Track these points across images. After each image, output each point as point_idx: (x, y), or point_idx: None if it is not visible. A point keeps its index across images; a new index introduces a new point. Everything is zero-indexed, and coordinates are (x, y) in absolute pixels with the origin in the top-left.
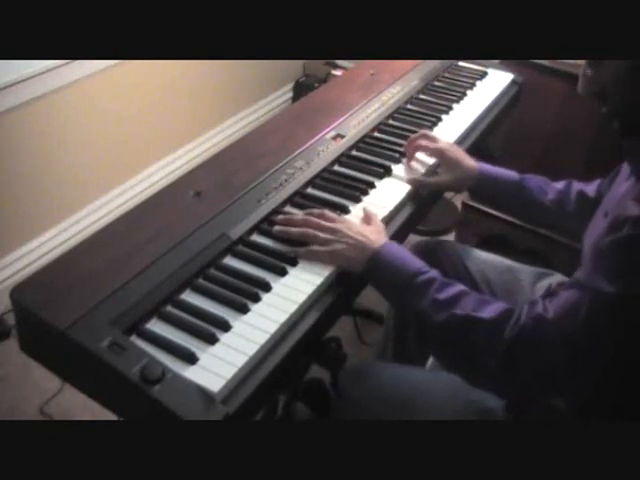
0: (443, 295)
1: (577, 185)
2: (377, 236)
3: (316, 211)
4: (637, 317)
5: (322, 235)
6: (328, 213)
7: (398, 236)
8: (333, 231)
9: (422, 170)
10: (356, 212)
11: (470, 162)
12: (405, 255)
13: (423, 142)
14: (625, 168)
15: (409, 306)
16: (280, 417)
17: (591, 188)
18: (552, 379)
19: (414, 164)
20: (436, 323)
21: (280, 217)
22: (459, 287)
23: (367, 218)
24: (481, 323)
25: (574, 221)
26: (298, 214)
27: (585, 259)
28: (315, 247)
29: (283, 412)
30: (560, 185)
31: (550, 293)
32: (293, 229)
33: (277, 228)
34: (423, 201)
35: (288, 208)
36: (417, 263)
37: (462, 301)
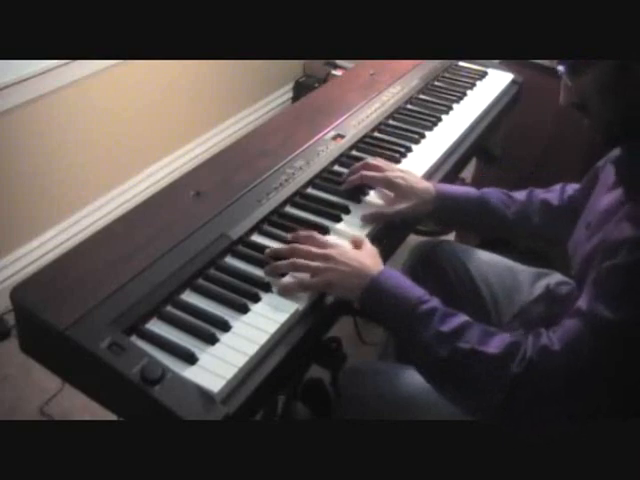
0: (446, 327)
1: (539, 194)
2: (372, 261)
3: (303, 234)
4: (636, 342)
5: (313, 264)
6: (317, 236)
7: (398, 236)
8: (325, 258)
9: (379, 202)
10: (356, 212)
11: (424, 184)
12: (404, 283)
13: (367, 174)
14: (607, 176)
15: (410, 337)
16: (280, 417)
17: (553, 195)
18: (557, 409)
19: (368, 198)
20: (439, 356)
21: (267, 251)
22: (462, 318)
23: (357, 243)
24: (487, 357)
25: (540, 231)
26: (283, 247)
27: (578, 278)
28: (307, 280)
29: (282, 412)
30: (521, 196)
31: (549, 295)
32: (281, 263)
33: (266, 269)
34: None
35: (288, 208)
36: (418, 291)
37: (466, 333)
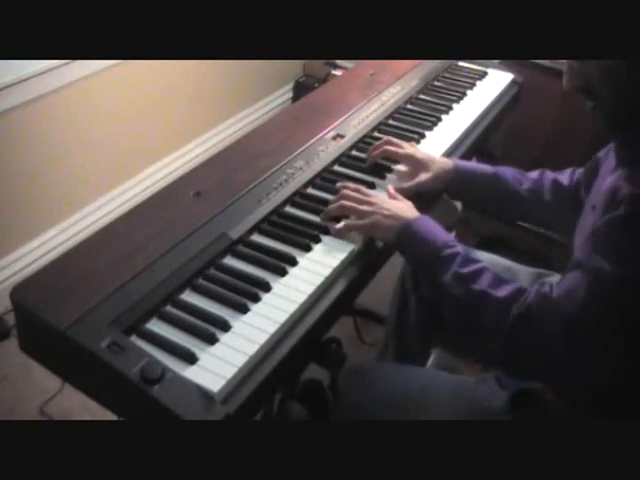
0: (465, 269)
1: (550, 174)
2: (409, 209)
3: (352, 185)
4: (636, 296)
5: (360, 207)
6: (363, 189)
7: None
8: (370, 204)
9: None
10: None
11: (442, 158)
12: (436, 228)
13: (390, 148)
14: (608, 162)
15: (432, 276)
16: (275, 415)
17: (564, 177)
18: (552, 358)
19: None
20: (454, 294)
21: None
22: (481, 264)
23: (394, 196)
24: (494, 300)
25: (550, 210)
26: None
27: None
28: (354, 221)
29: (278, 410)
30: (534, 175)
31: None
32: (332, 206)
33: (321, 215)
34: (423, 201)
35: (288, 208)
36: (446, 237)
37: (482, 277)
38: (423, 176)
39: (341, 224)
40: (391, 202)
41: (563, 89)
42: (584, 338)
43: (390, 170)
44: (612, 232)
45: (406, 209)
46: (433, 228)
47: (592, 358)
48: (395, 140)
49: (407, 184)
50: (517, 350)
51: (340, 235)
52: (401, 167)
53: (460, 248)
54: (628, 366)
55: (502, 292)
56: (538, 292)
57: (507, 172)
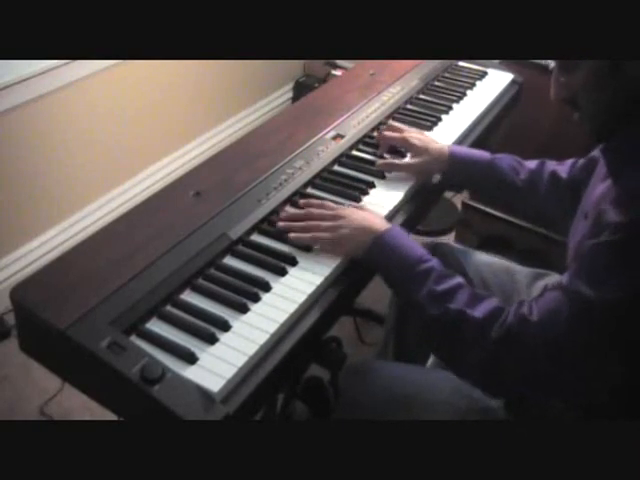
0: (440, 287)
1: (550, 165)
2: (379, 221)
3: (316, 202)
4: (616, 320)
5: (325, 223)
6: (328, 203)
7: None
8: (335, 218)
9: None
10: None
11: (438, 145)
12: (408, 242)
13: (386, 134)
14: (600, 168)
15: (407, 294)
16: (279, 416)
17: (564, 168)
18: (535, 380)
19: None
20: (431, 315)
21: (282, 214)
22: (456, 280)
23: (361, 207)
24: (472, 320)
25: (544, 202)
26: (298, 211)
27: (569, 261)
28: (319, 234)
29: (282, 411)
30: (533, 165)
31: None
32: (297, 223)
33: (280, 224)
34: (423, 201)
35: (288, 208)
36: (419, 251)
37: (457, 295)
38: (413, 160)
39: (307, 235)
40: (359, 213)
41: (551, 100)
42: (567, 358)
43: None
44: (594, 257)
45: (374, 220)
46: (405, 241)
47: (577, 376)
48: (396, 125)
49: (397, 161)
50: (497, 371)
51: (299, 242)
52: (407, 159)
53: (434, 262)
54: (620, 375)
55: (479, 312)
56: (517, 313)
57: (504, 161)
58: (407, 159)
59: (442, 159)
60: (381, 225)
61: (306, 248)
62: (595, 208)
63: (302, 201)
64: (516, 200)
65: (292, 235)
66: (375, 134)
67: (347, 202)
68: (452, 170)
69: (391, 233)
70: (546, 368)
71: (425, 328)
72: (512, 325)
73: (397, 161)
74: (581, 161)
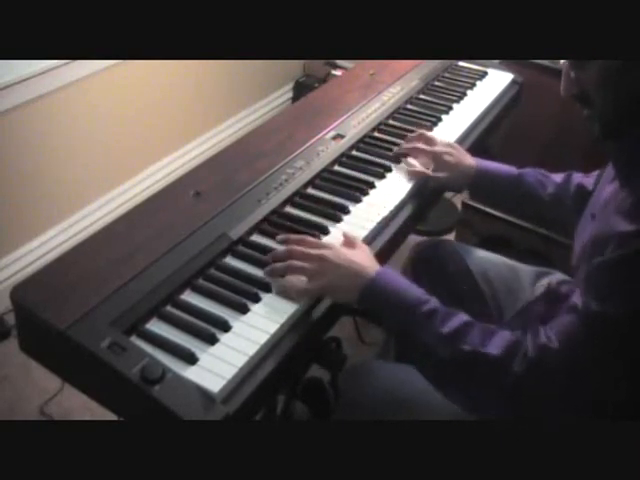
0: (447, 328)
1: (577, 177)
2: (368, 261)
3: (294, 237)
4: (625, 334)
5: (309, 267)
6: (309, 239)
7: (398, 236)
8: (320, 260)
9: (424, 164)
10: (356, 212)
11: (468, 162)
12: (402, 283)
13: (420, 145)
14: (609, 169)
15: (411, 338)
16: (279, 417)
17: (590, 180)
18: (560, 405)
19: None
20: (441, 358)
21: (268, 255)
22: (462, 318)
23: (349, 242)
24: (489, 359)
25: (572, 215)
26: (278, 248)
27: (575, 261)
28: (303, 286)
29: (282, 412)
30: (559, 178)
31: (550, 294)
32: (279, 265)
33: (265, 270)
34: (423, 201)
35: (288, 208)
36: (416, 292)
37: (468, 335)
38: (441, 174)
39: (285, 285)
40: (346, 254)
41: (561, 96)
42: (587, 378)
43: (390, 170)
44: (602, 274)
45: (363, 260)
46: (399, 282)
47: (593, 393)
48: (428, 135)
49: (427, 172)
50: (520, 402)
51: (285, 296)
52: (410, 159)
53: (434, 302)
54: (624, 390)
55: (495, 349)
56: (536, 344)
57: (531, 175)
58: (438, 173)
59: (470, 175)
60: (370, 268)
61: None
62: (603, 209)
63: (279, 237)
64: (544, 214)
65: (275, 286)
66: (377, 134)
67: (348, 203)
68: (478, 185)
69: (382, 277)
70: (569, 391)
71: (433, 372)
72: (534, 357)
73: (428, 172)
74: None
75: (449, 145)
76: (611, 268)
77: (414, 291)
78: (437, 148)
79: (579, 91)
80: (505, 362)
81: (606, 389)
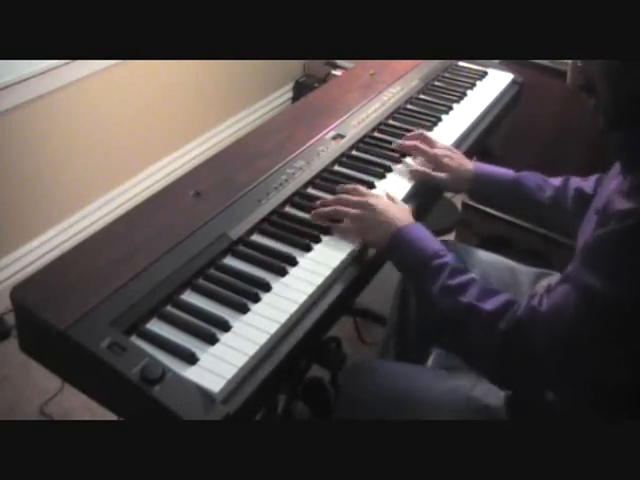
0: (453, 281)
1: (575, 181)
2: (403, 215)
3: (349, 186)
4: (622, 313)
5: (352, 211)
6: (360, 188)
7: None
8: (362, 205)
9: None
10: None
11: (466, 165)
12: (426, 236)
13: (420, 145)
14: (616, 165)
15: (420, 286)
16: (280, 416)
17: (588, 184)
18: (543, 371)
19: (416, 160)
20: (441, 307)
21: (317, 203)
22: (469, 275)
23: (391, 197)
24: (482, 313)
25: (571, 218)
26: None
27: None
28: (344, 224)
29: (283, 412)
30: (557, 182)
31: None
32: (324, 209)
33: (312, 214)
34: (423, 201)
35: (288, 208)
36: (436, 245)
37: (469, 289)
38: (442, 176)
39: (333, 225)
40: (388, 206)
41: (567, 86)
42: (574, 349)
43: (390, 170)
44: (602, 249)
45: (400, 214)
46: (424, 236)
47: (585, 369)
48: (428, 136)
49: (428, 172)
50: (507, 363)
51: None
52: (409, 160)
53: (449, 258)
54: (625, 375)
55: (490, 305)
56: (527, 305)
57: (529, 178)
58: (440, 174)
59: (468, 178)
60: (405, 219)
61: (306, 247)
62: (607, 202)
63: (339, 187)
64: (543, 217)
65: (319, 221)
66: (377, 134)
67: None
68: (477, 188)
69: (412, 227)
70: (554, 359)
71: (436, 321)
72: (521, 317)
73: (427, 171)
74: (605, 176)
75: (448, 149)
76: (610, 241)
77: (435, 245)
78: (437, 151)
79: (585, 81)
80: (494, 318)
81: (604, 368)
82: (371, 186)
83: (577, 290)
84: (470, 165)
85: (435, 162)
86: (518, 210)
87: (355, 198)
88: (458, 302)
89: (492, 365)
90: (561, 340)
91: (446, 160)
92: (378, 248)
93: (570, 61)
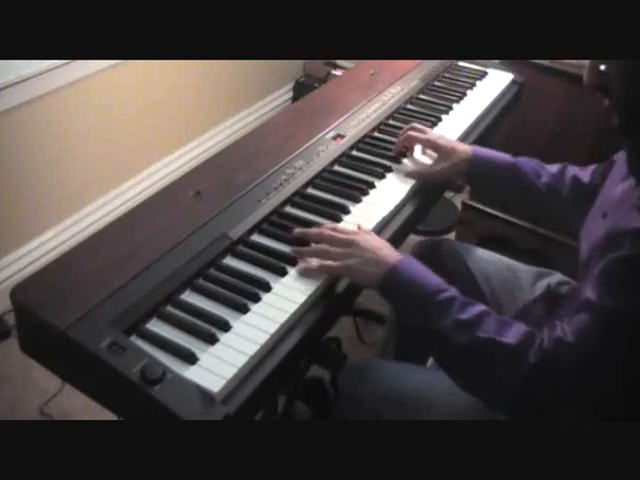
0: (465, 315)
1: (572, 170)
2: (390, 251)
3: (328, 226)
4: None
5: (335, 250)
6: (341, 227)
7: (398, 236)
8: (347, 243)
9: (422, 163)
10: (356, 212)
11: (462, 146)
12: (424, 271)
13: (413, 133)
14: (621, 165)
15: (429, 325)
16: (280, 417)
17: (585, 174)
18: (572, 398)
19: (413, 158)
20: (458, 344)
21: (295, 231)
22: (480, 307)
23: (369, 233)
24: (505, 347)
25: (567, 206)
26: (310, 230)
27: (583, 260)
28: (329, 262)
29: (283, 412)
30: (554, 169)
31: (550, 294)
32: (306, 249)
33: (292, 249)
34: (423, 201)
35: (288, 208)
36: (436, 279)
37: (485, 323)
38: (441, 165)
39: (314, 264)
40: (370, 243)
41: (583, 86)
42: (600, 375)
43: (390, 170)
44: (617, 271)
45: (386, 251)
46: (420, 271)
47: (608, 390)
48: (418, 126)
49: (426, 170)
50: (533, 393)
51: (308, 274)
52: (416, 154)
53: (454, 290)
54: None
55: (511, 339)
56: (552, 336)
57: (527, 164)
58: (437, 165)
59: (467, 159)
60: (393, 257)
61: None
62: (616, 208)
63: (316, 228)
64: (538, 203)
65: (301, 265)
66: (377, 134)
67: (348, 203)
68: (475, 170)
69: (405, 263)
70: (581, 386)
71: (449, 359)
72: (549, 348)
73: (429, 169)
74: (602, 167)
75: (439, 134)
76: (628, 264)
77: (433, 279)
78: (430, 135)
79: (601, 81)
80: (522, 351)
81: (619, 388)
82: (371, 186)
83: (599, 316)
84: (465, 146)
85: (431, 145)
86: (515, 195)
87: (338, 235)
88: (476, 338)
89: (512, 397)
90: (589, 368)
91: (441, 141)
92: (369, 286)
93: (588, 61)
